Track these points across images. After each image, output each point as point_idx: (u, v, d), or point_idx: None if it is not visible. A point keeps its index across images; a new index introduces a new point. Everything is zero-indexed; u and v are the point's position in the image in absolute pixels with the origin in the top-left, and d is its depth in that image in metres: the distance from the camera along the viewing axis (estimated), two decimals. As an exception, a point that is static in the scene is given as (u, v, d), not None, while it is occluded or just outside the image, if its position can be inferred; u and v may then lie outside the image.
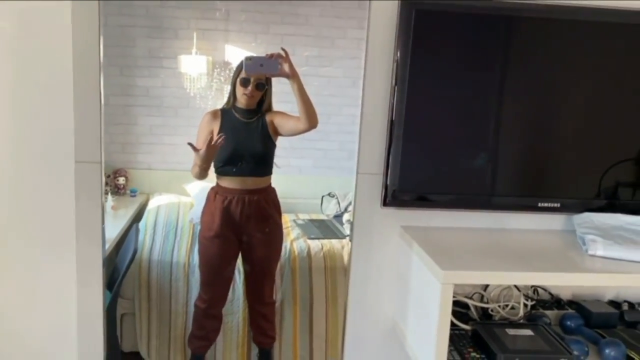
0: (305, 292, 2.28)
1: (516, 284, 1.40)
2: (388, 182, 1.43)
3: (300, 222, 2.51)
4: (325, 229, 2.47)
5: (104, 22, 2.32)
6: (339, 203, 2.57)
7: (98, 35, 1.48)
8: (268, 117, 2.10)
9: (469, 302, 1.42)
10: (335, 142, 2.55)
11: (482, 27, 1.43)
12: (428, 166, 1.47)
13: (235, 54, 2.46)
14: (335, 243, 2.37)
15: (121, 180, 2.50)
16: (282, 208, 2.25)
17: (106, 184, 2.48)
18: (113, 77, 2.47)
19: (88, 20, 1.44)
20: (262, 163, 2.13)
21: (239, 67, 2.11)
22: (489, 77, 1.45)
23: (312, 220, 2.53)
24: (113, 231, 2.20)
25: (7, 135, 1.47)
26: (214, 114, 2.12)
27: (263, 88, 2.09)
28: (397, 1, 1.42)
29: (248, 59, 1.87)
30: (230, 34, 2.48)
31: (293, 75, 1.88)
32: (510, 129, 1.48)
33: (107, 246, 2.06)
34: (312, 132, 2.37)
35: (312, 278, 2.29)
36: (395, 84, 1.39)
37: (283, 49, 1.86)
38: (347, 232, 2.32)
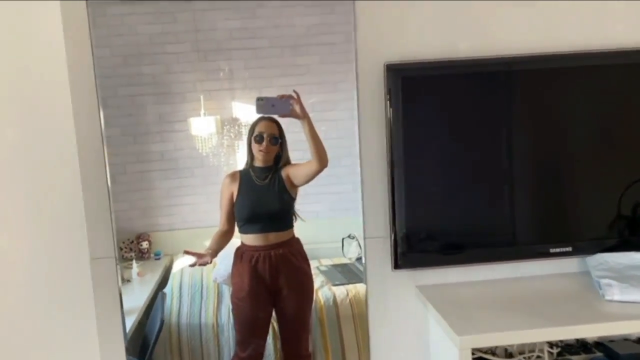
0: (335, 342, 2.25)
1: (536, 341, 1.38)
2: (397, 245, 1.43)
3: (323, 268, 2.50)
4: (349, 273, 2.46)
5: (114, 93, 2.41)
6: (359, 245, 2.56)
7: (102, 141, 1.52)
8: (283, 172, 2.14)
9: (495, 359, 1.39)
10: (348, 184, 2.55)
11: (472, 84, 1.45)
12: (435, 224, 1.46)
13: (243, 110, 2.51)
14: (360, 288, 2.34)
15: (144, 244, 2.54)
16: (304, 255, 2.26)
17: (130, 249, 2.54)
18: (128, 145, 2.53)
19: (89, 119, 1.49)
20: (282, 219, 2.16)
21: (253, 127, 2.16)
22: (486, 130, 1.45)
23: (334, 266, 2.52)
24: (141, 298, 2.23)
25: (23, 239, 1.50)
26: (232, 176, 2.18)
27: (277, 142, 2.13)
28: (382, 70, 1.45)
29: (260, 99, 1.90)
30: (236, 91, 2.53)
31: (304, 116, 1.93)
32: (515, 179, 1.48)
33: (135, 315, 2.10)
34: (325, 176, 2.39)
35: (340, 327, 2.26)
36: (391, 144, 1.41)
37: (294, 91, 1.90)
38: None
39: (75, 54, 1.50)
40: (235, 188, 2.16)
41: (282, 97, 1.92)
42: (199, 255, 2.09)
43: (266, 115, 2.17)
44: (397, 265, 1.46)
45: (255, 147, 2.12)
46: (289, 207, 2.16)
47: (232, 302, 2.18)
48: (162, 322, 2.13)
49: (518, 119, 1.48)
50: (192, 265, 2.08)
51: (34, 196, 1.51)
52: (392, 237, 1.46)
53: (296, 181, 2.14)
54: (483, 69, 1.46)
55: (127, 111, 2.53)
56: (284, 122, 2.19)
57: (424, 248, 1.49)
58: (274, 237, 2.14)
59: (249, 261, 2.13)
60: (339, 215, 2.58)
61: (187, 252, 2.09)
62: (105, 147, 1.54)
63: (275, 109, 1.93)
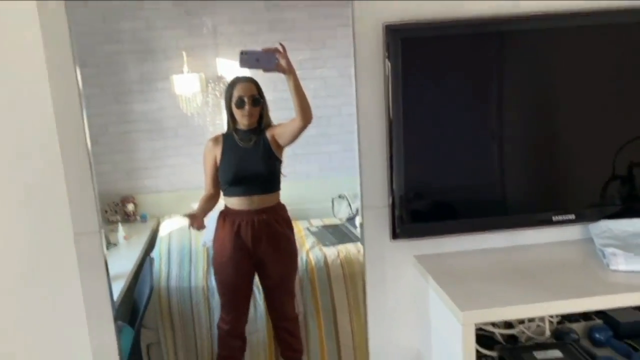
0: (326, 302, 2.26)
1: (541, 315, 1.36)
2: (394, 214, 1.39)
3: (314, 229, 2.49)
4: (339, 234, 2.45)
5: (92, 51, 2.28)
6: (350, 205, 2.54)
7: (80, 102, 1.41)
8: (268, 134, 2.07)
9: (495, 330, 1.38)
10: (339, 144, 2.52)
11: (471, 45, 1.38)
12: (435, 192, 1.42)
13: (228, 68, 2.42)
14: (350, 248, 2.34)
15: (130, 207, 2.49)
16: (294, 215, 2.23)
17: (115, 212, 2.49)
18: (109, 105, 2.44)
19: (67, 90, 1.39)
20: (268, 181, 2.11)
21: (230, 90, 2.07)
22: (486, 95, 1.40)
23: (325, 227, 2.50)
24: (128, 262, 2.20)
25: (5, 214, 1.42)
26: (215, 139, 2.11)
27: (259, 103, 2.06)
28: (381, 30, 1.37)
29: (243, 53, 1.80)
30: (220, 47, 2.44)
31: (290, 71, 1.85)
32: (514, 145, 1.44)
33: (124, 280, 2.07)
34: (315, 136, 2.34)
35: (331, 287, 2.27)
36: (391, 114, 1.34)
37: (281, 44, 1.81)
38: (362, 235, 2.29)
39: (49, 10, 1.40)
40: (218, 152, 2.10)
41: (267, 50, 1.82)
42: (192, 217, 2.04)
43: (242, 76, 2.07)
44: (395, 235, 1.43)
45: (237, 112, 2.04)
46: (275, 169, 2.11)
47: (214, 266, 2.16)
48: (152, 287, 2.11)
49: (520, 80, 1.42)
50: (189, 227, 2.03)
51: (11, 165, 1.43)
52: (390, 205, 1.41)
53: (281, 140, 2.07)
54: (484, 29, 1.39)
55: (107, 70, 2.43)
56: (266, 80, 2.09)
57: (423, 217, 1.45)
58: (258, 201, 2.10)
59: (231, 226, 2.09)
60: (330, 175, 2.55)
61: (184, 216, 2.04)
62: (84, 108, 1.45)
63: (260, 64, 1.83)
